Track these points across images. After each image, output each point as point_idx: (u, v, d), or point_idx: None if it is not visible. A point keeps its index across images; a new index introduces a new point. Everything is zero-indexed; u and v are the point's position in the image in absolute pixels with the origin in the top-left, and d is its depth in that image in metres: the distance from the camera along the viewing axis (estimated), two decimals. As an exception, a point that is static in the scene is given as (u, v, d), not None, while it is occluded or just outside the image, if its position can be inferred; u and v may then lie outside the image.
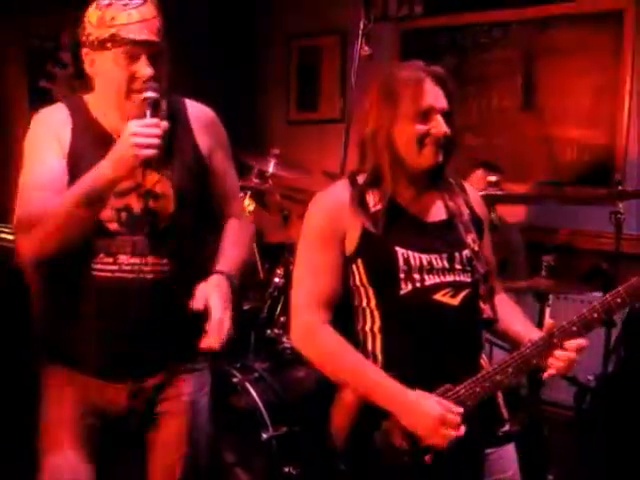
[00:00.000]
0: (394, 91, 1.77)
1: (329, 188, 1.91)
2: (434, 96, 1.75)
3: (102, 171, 1.69)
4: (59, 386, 1.89)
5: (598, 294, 3.14)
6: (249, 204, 3.38)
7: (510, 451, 1.89)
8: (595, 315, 1.72)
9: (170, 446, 1.96)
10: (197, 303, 1.78)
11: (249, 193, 3.40)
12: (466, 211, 1.88)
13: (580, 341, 1.72)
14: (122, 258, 1.80)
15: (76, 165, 1.78)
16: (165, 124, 1.71)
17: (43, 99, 3.48)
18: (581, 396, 3.21)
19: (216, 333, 1.77)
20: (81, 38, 1.81)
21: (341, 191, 1.84)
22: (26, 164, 1.82)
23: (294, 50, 4.94)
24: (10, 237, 2.77)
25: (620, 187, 2.96)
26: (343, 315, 1.84)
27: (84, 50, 1.81)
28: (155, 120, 1.70)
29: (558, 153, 3.85)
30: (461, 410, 1.69)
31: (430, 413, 1.67)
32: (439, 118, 1.75)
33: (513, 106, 4.00)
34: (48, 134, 1.82)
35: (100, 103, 1.85)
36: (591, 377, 3.15)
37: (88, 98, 1.88)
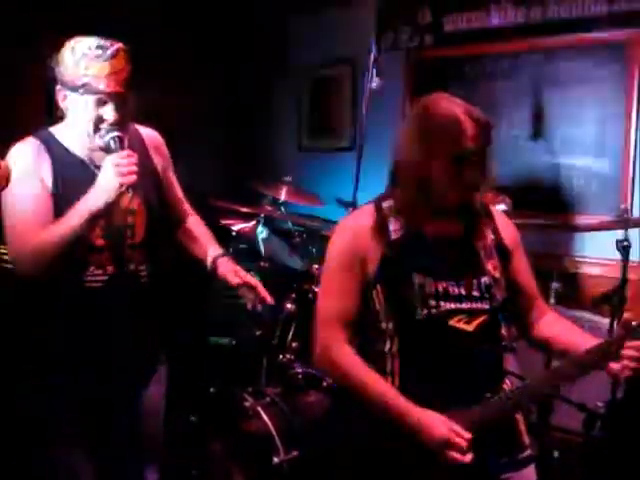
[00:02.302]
0: (433, 128, 1.77)
1: (354, 212, 1.98)
2: (471, 140, 1.74)
3: (92, 201, 1.93)
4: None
5: (606, 321, 3.17)
6: (262, 231, 3.43)
7: (530, 474, 1.90)
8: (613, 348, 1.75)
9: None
10: (234, 280, 2.23)
11: (262, 220, 3.46)
12: (490, 237, 1.90)
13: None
14: (110, 269, 2.07)
15: (62, 193, 2.01)
16: (135, 154, 1.98)
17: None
18: (590, 422, 3.21)
19: (265, 293, 2.24)
20: (55, 73, 1.99)
21: (365, 217, 1.88)
22: (12, 201, 2.01)
23: (306, 79, 5.02)
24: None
25: (626, 215, 3.00)
26: (364, 336, 1.90)
27: (58, 86, 2.00)
28: (128, 151, 1.97)
29: (565, 181, 3.90)
30: (469, 436, 1.72)
31: (435, 433, 1.71)
32: (471, 162, 1.75)
33: (521, 135, 4.05)
34: (29, 170, 2.01)
35: (70, 134, 2.07)
36: (600, 403, 3.15)
37: (56, 130, 2.10)
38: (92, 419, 2.09)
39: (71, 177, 2.03)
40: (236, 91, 4.88)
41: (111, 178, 1.92)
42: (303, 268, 3.30)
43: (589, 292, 3.69)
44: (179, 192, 2.37)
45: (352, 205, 3.16)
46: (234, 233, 3.47)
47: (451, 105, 1.79)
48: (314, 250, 3.47)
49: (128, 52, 2.00)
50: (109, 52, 1.95)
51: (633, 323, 1.76)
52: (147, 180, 2.14)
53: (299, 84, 5.03)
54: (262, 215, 3.46)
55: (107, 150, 1.98)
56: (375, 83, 3.14)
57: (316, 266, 3.22)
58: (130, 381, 2.17)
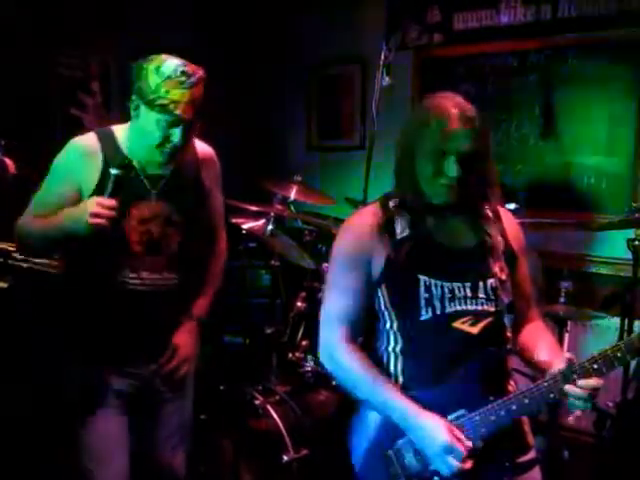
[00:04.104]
0: (422, 125, 1.77)
1: (360, 211, 1.95)
2: (456, 138, 1.73)
3: (66, 222, 2.04)
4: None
5: (616, 320, 3.16)
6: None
7: (536, 476, 1.89)
8: (618, 354, 1.69)
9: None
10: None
11: (272, 218, 3.46)
12: (497, 239, 1.88)
13: (594, 381, 1.69)
14: (144, 274, 2.17)
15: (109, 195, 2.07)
16: (114, 202, 2.00)
17: (73, 126, 3.63)
18: (601, 422, 3.21)
19: (178, 378, 2.29)
20: (134, 82, 2.03)
21: (371, 215, 1.87)
22: (44, 186, 2.17)
23: (316, 78, 5.02)
24: (37, 260, 2.91)
25: (637, 214, 2.99)
26: (368, 335, 1.90)
27: (133, 95, 2.05)
28: (113, 202, 2.00)
29: (576, 180, 3.89)
30: (470, 445, 1.71)
31: (437, 439, 1.70)
32: (453, 161, 1.74)
33: (532, 134, 4.05)
34: (67, 170, 2.13)
35: (130, 138, 2.16)
36: (611, 403, 3.15)
37: (117, 129, 2.17)
38: (129, 397, 2.23)
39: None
40: (245, 90, 4.88)
41: (82, 214, 1.99)
42: (313, 266, 3.29)
43: (600, 291, 3.68)
44: (219, 215, 2.42)
45: (362, 204, 3.15)
46: (244, 232, 3.47)
47: (444, 102, 1.77)
48: (324, 249, 3.47)
49: (206, 80, 2.07)
50: (192, 80, 2.02)
51: (574, 365, 1.71)
52: (190, 193, 2.24)
53: (309, 83, 5.03)
54: (272, 213, 3.46)
55: (165, 163, 2.12)
56: (385, 82, 3.14)
57: (326, 265, 3.22)
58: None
